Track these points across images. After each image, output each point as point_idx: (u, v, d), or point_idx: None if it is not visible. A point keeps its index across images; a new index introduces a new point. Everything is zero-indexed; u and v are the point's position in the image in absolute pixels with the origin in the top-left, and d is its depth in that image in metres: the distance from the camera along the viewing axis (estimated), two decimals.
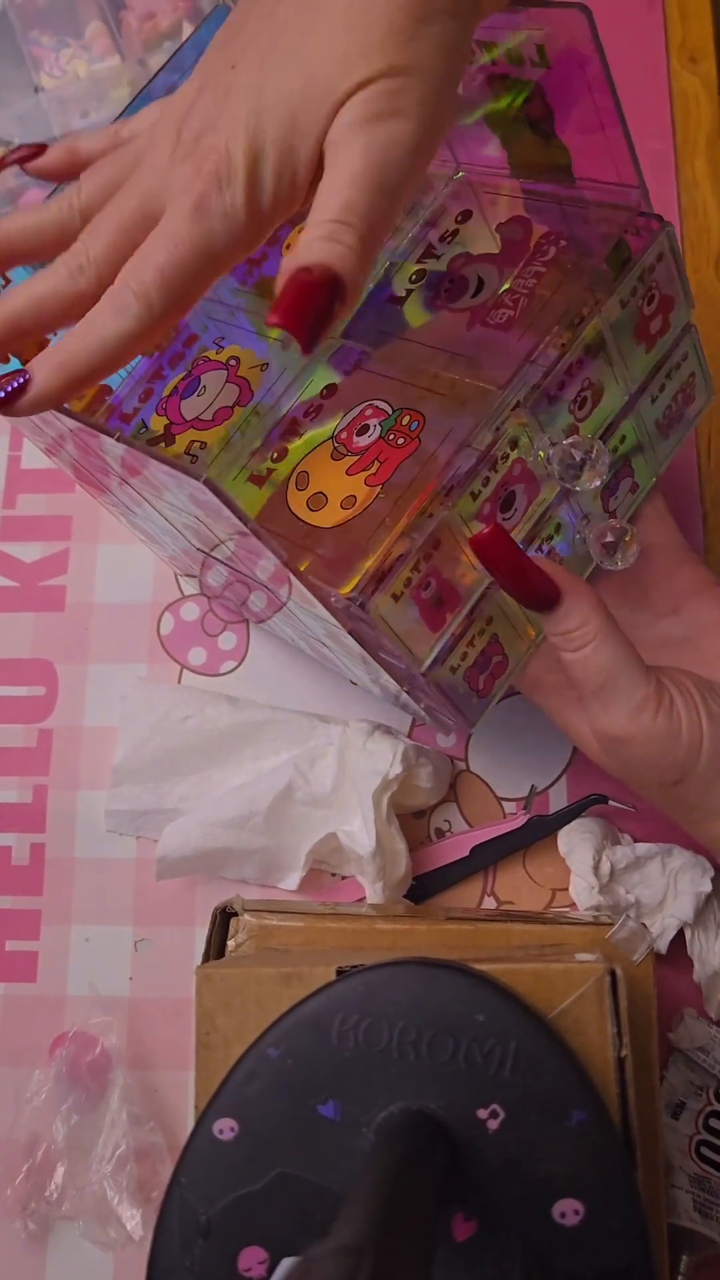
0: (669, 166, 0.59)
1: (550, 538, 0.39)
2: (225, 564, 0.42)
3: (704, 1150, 0.44)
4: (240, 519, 0.31)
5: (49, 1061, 0.50)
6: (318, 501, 0.38)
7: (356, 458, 0.38)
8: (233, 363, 0.44)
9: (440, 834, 0.51)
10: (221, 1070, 0.33)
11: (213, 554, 0.42)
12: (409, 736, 0.52)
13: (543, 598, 0.36)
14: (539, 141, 0.38)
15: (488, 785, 0.52)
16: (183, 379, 0.45)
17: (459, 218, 0.42)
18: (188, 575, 0.54)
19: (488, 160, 0.41)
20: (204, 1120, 0.32)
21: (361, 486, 0.37)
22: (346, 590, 0.34)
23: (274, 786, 0.49)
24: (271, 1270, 0.30)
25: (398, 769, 0.48)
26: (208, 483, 0.30)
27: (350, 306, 0.28)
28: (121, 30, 0.60)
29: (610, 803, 0.50)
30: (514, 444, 0.35)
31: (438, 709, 0.41)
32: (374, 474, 0.37)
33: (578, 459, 0.36)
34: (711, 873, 0.47)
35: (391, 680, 0.40)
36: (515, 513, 0.37)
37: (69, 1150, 0.48)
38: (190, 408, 0.44)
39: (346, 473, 0.38)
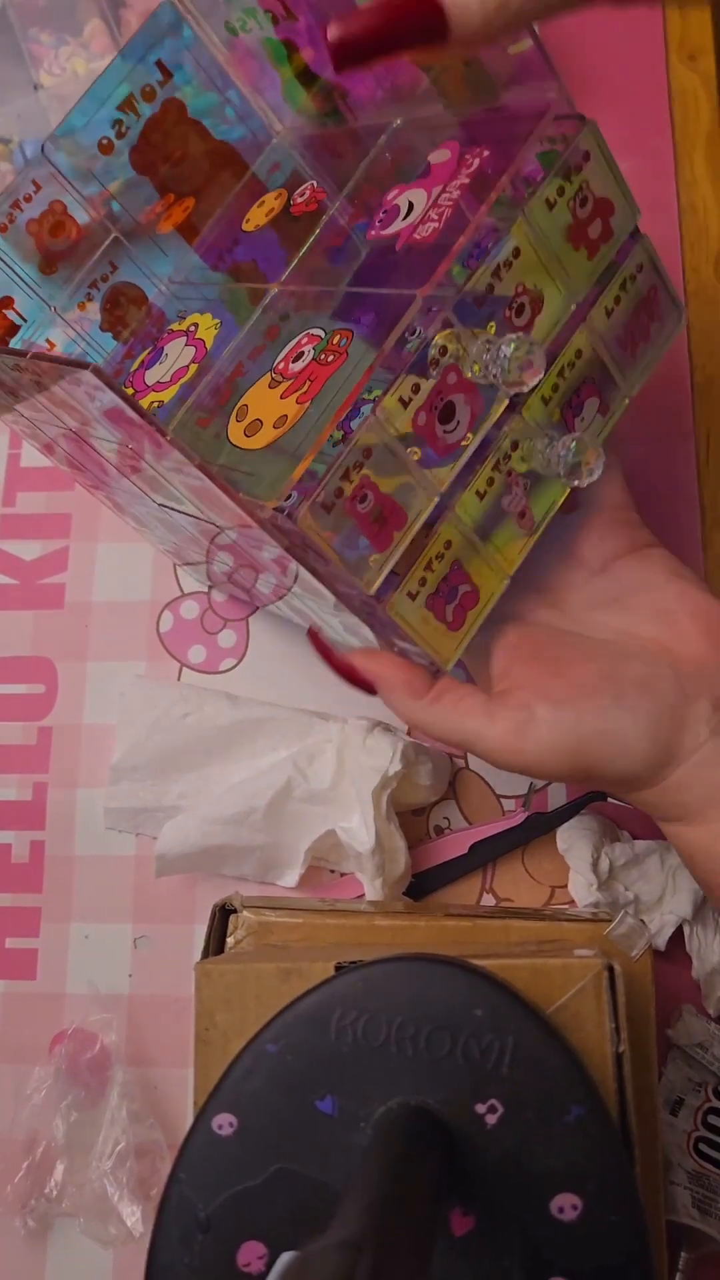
0: (668, 164, 0.59)
1: (507, 456, 0.38)
2: (229, 549, 0.42)
3: (702, 1147, 0.44)
4: (140, 415, 0.30)
5: (49, 1059, 0.50)
6: (253, 428, 0.38)
7: (291, 382, 0.38)
8: (192, 328, 0.45)
9: (439, 831, 0.51)
10: (220, 1066, 0.33)
11: (215, 541, 0.42)
12: (408, 734, 0.52)
13: (363, 688, 0.39)
14: (460, 68, 0.38)
15: (487, 783, 0.52)
16: (148, 353, 0.46)
17: (395, 161, 0.42)
18: (188, 564, 0.54)
19: (427, 106, 0.41)
20: (203, 1116, 0.32)
21: (293, 405, 0.37)
22: (274, 502, 0.33)
23: (273, 784, 0.49)
24: (271, 1265, 0.30)
25: (397, 766, 0.48)
26: (95, 370, 0.29)
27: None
28: (121, 28, 0.60)
29: (609, 800, 0.50)
30: (443, 350, 0.34)
31: (409, 648, 0.40)
32: (304, 392, 0.37)
33: (506, 353, 0.35)
34: None
35: (368, 629, 0.39)
36: (458, 426, 0.36)
37: (69, 1147, 0.48)
38: (152, 375, 0.44)
39: (280, 397, 0.38)
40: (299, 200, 0.45)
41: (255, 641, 0.55)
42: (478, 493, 0.37)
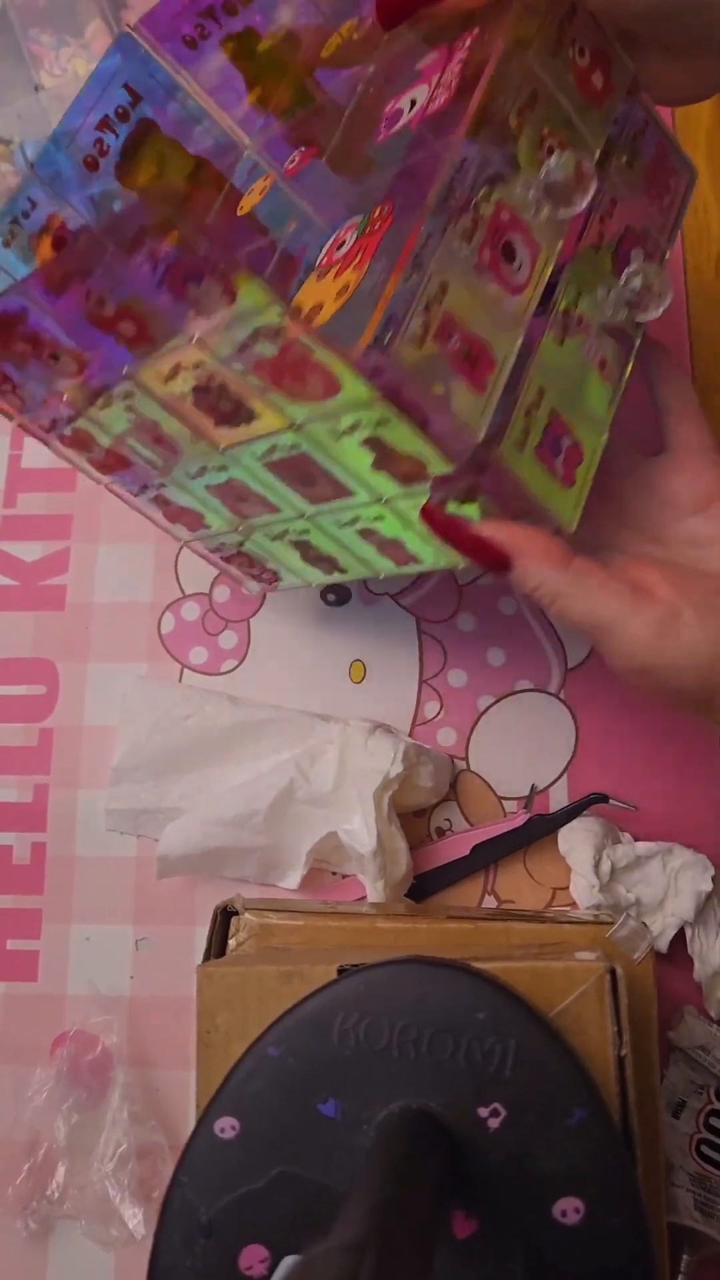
0: None
1: (575, 304, 0.39)
2: (280, 465, 0.41)
3: (704, 1149, 0.44)
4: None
5: (50, 1060, 0.50)
6: (314, 313, 0.37)
7: (340, 264, 0.38)
8: None
9: (441, 833, 0.51)
10: (222, 1069, 0.33)
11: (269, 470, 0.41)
12: (409, 735, 0.52)
13: (494, 564, 0.37)
14: None
15: (488, 784, 0.52)
16: None
17: (378, 97, 0.42)
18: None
19: (399, 43, 0.41)
20: (205, 1119, 0.32)
21: (351, 275, 0.36)
22: (365, 339, 0.33)
23: (275, 785, 0.49)
24: (273, 1269, 0.30)
25: (398, 768, 0.48)
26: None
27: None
28: (121, 29, 0.60)
29: (611, 802, 0.50)
30: (491, 185, 0.35)
31: (522, 511, 0.39)
32: (359, 261, 0.37)
33: (555, 164, 0.35)
34: (712, 871, 0.47)
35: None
36: (521, 266, 0.36)
37: (70, 1149, 0.48)
38: None
39: (335, 278, 0.37)
40: (290, 166, 0.45)
41: (256, 643, 0.55)
42: (556, 339, 0.37)
